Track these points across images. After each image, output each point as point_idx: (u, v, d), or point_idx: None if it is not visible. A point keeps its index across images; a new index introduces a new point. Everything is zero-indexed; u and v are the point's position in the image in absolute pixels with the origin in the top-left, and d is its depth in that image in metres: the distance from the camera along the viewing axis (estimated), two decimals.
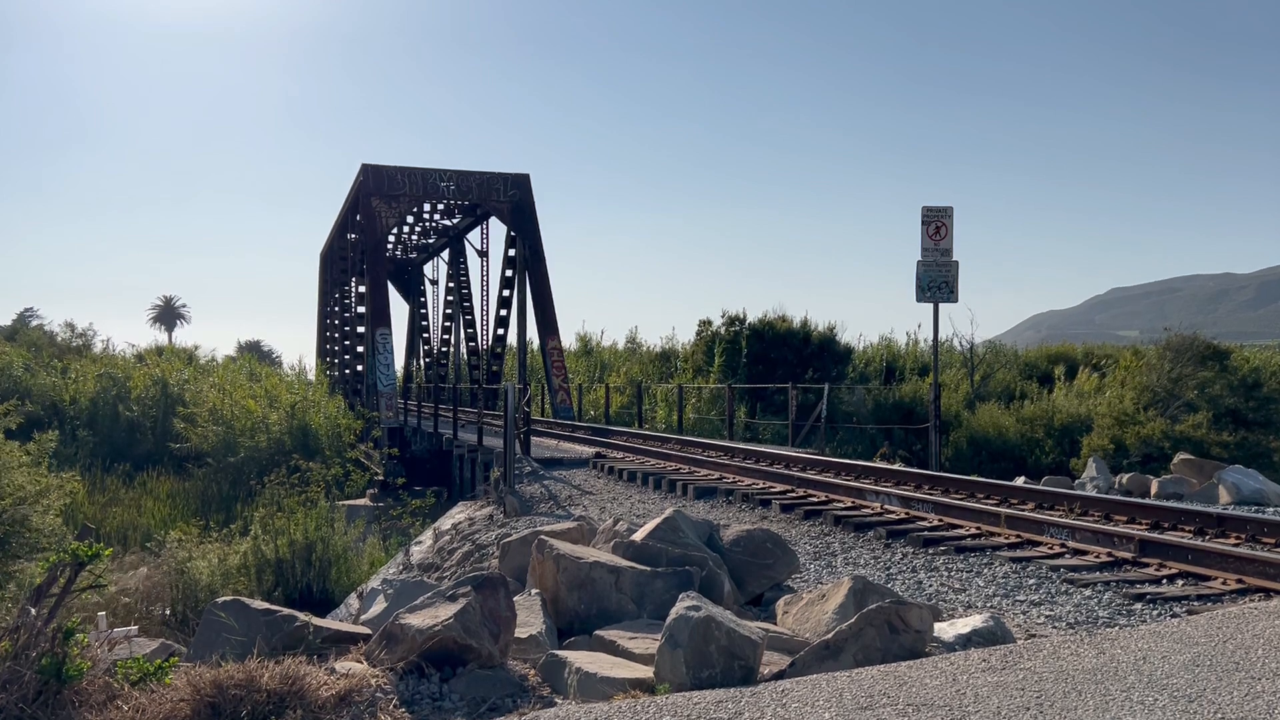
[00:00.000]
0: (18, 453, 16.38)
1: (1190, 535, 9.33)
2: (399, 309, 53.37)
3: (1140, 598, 7.37)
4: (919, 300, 19.85)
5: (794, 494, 12.99)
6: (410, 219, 42.74)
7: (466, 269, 45.47)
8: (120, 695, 4.71)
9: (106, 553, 5.46)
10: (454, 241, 45.31)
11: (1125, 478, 15.18)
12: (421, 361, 51.97)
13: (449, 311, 47.00)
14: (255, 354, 77.51)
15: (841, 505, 11.93)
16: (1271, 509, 12.38)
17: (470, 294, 44.78)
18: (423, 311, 51.82)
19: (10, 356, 41.09)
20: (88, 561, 5.27)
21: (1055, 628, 6.66)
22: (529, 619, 6.16)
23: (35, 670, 4.58)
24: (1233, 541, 9.01)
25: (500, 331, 40.67)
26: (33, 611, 5.01)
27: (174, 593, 14.60)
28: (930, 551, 9.36)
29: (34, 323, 71.00)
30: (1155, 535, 9.06)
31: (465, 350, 45.14)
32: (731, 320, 35.04)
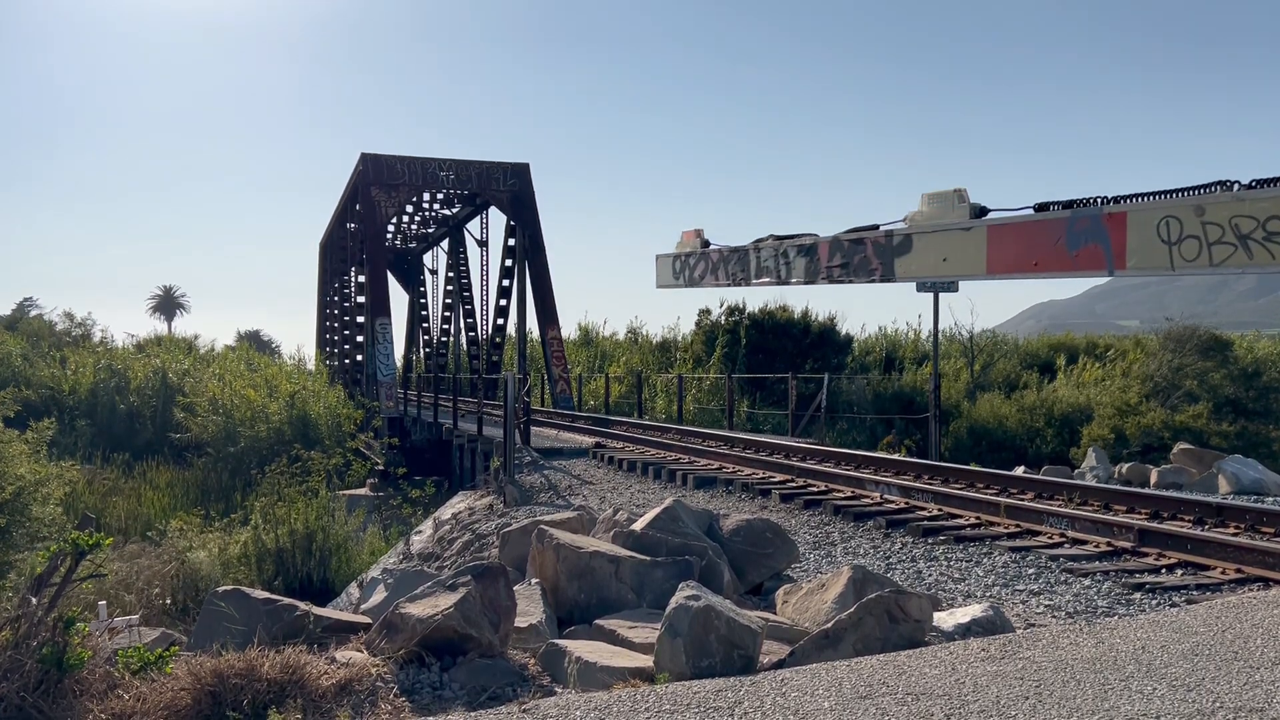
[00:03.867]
0: (18, 442, 16.39)
1: (1189, 525, 9.34)
2: (398, 299, 53.33)
3: (1139, 587, 7.39)
4: (919, 290, 19.85)
5: (794, 484, 13.00)
6: (410, 208, 42.64)
7: (466, 259, 45.42)
8: (121, 684, 4.72)
9: (107, 542, 5.46)
10: (453, 231, 45.23)
11: (1125, 467, 15.20)
12: (421, 351, 51.94)
13: (449, 301, 46.94)
14: (255, 344, 77.47)
15: (841, 495, 11.95)
16: (1271, 498, 12.40)
17: (470, 284, 44.72)
18: (422, 301, 51.77)
19: (9, 346, 41.05)
20: (88, 551, 5.28)
21: (1054, 617, 6.67)
22: (529, 608, 6.17)
23: (36, 659, 4.59)
24: (1232, 531, 9.03)
25: (500, 321, 40.61)
26: (34, 601, 5.01)
27: (174, 582, 14.62)
28: (930, 541, 9.38)
29: (33, 312, 70.93)
30: (1155, 525, 9.07)
31: (465, 340, 45.10)
32: (731, 310, 35.01)
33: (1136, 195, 10.99)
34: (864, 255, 14.91)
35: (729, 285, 21.27)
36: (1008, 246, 12.18)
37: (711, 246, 21.78)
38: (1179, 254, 10.12)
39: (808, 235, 17.85)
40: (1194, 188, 10.42)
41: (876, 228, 16.25)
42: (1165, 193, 10.66)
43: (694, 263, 21.81)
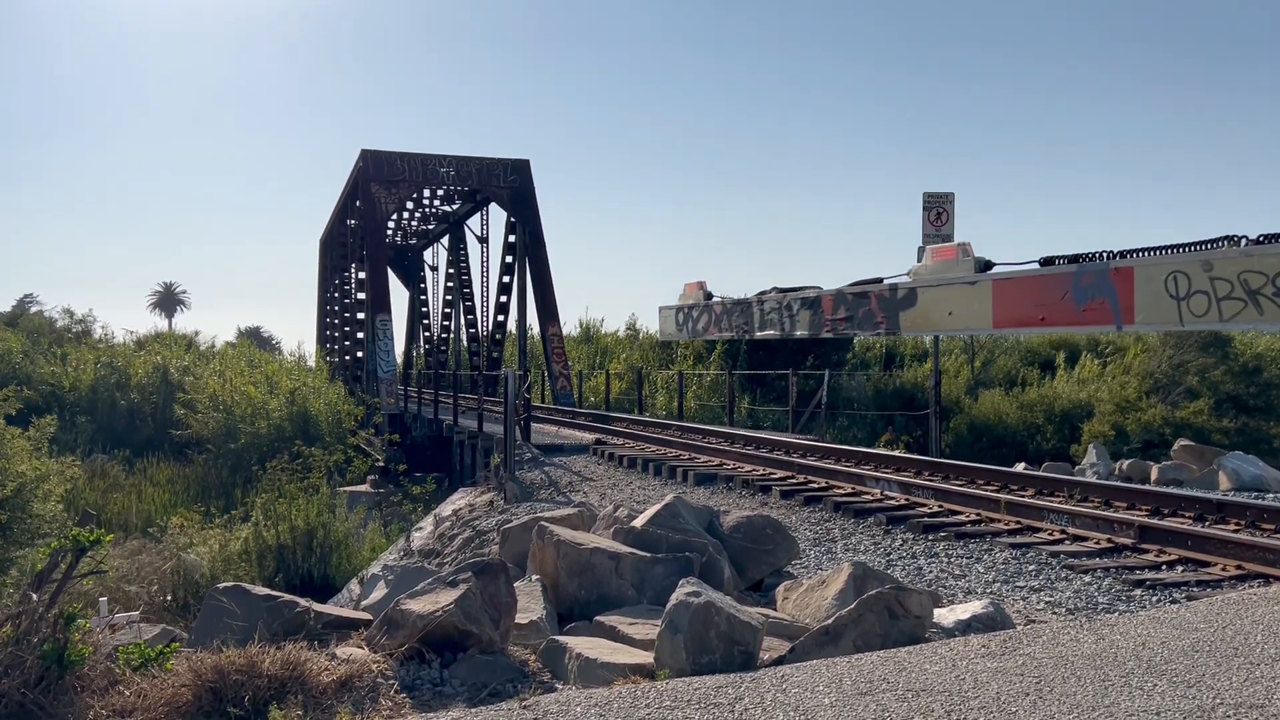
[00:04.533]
0: (19, 439, 16.40)
1: (1190, 521, 9.34)
2: (399, 295, 53.30)
3: (1140, 584, 7.39)
4: None
5: (794, 480, 13.00)
6: (410, 205, 42.62)
7: (466, 255, 45.40)
8: (122, 680, 4.72)
9: (108, 539, 5.46)
10: (454, 227, 45.21)
11: (1125, 464, 15.18)
12: (422, 348, 51.93)
13: (449, 298, 46.92)
14: (255, 340, 77.48)
15: (842, 491, 11.94)
16: (1271, 495, 12.39)
17: (470, 280, 44.71)
18: (423, 298, 51.75)
19: (10, 343, 41.08)
20: (89, 547, 5.28)
21: (1055, 614, 6.68)
22: (529, 605, 6.17)
23: (37, 655, 4.59)
24: (1232, 527, 9.02)
25: (500, 318, 40.62)
26: (34, 597, 5.01)
27: (175, 578, 14.63)
28: (930, 538, 9.38)
29: (34, 309, 70.96)
30: (1155, 521, 9.07)
31: (465, 336, 45.10)
32: None
33: (1143, 250, 10.96)
34: (868, 309, 14.89)
35: (732, 336, 21.29)
36: (1014, 301, 12.15)
37: (714, 299, 21.77)
38: (1188, 309, 10.08)
39: (811, 288, 17.87)
40: (1201, 242, 10.38)
41: (880, 280, 16.23)
42: (1172, 247, 10.63)
43: (697, 315, 21.78)
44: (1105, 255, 11.22)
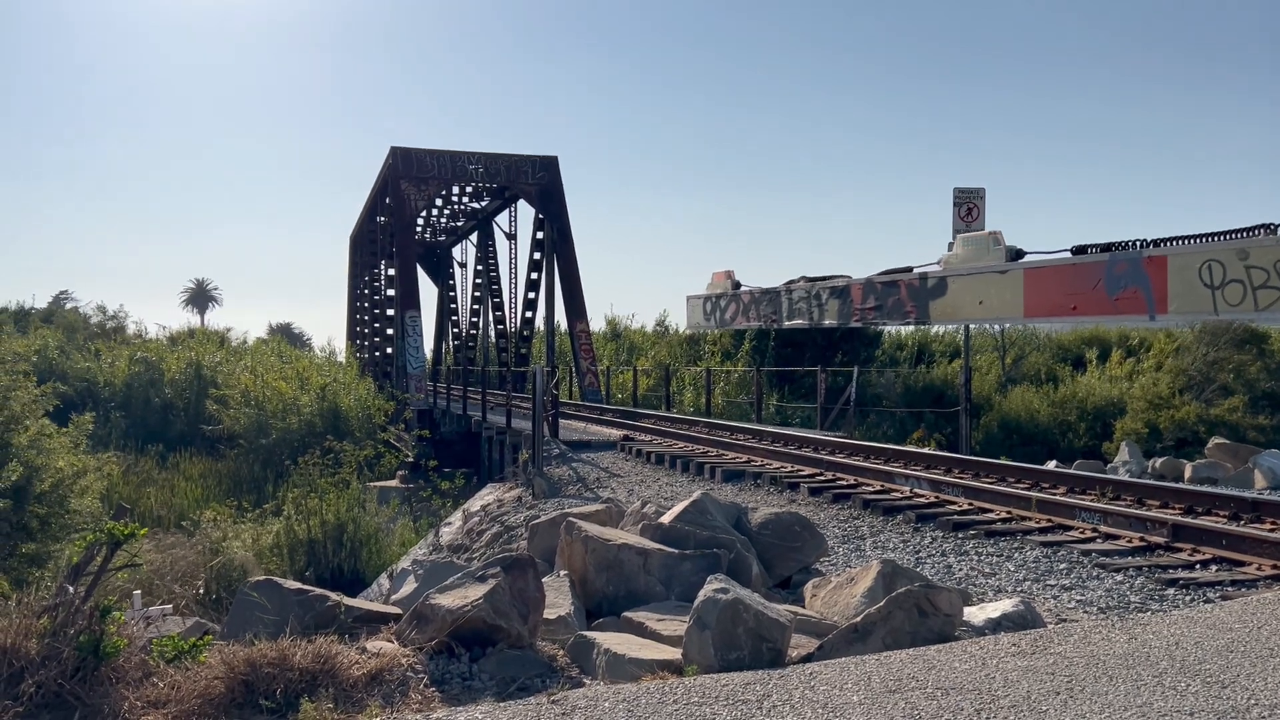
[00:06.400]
0: (58, 436, 16.63)
1: (1225, 520, 9.22)
2: (428, 292, 53.50)
3: (1173, 583, 7.31)
4: None
5: (823, 477, 12.96)
6: (439, 202, 42.85)
7: (495, 252, 45.60)
8: (156, 673, 4.78)
9: (142, 533, 5.53)
10: (482, 224, 45.39)
11: (1158, 462, 15.03)
12: (450, 344, 52.19)
13: (478, 294, 47.14)
14: (286, 336, 78.19)
15: (870, 489, 11.89)
16: None
17: (499, 277, 44.91)
18: (451, 294, 52.01)
19: (46, 339, 41.70)
20: (124, 541, 5.35)
21: (1086, 612, 6.62)
22: (557, 600, 6.19)
23: (74, 647, 4.66)
24: (1268, 527, 8.90)
25: (528, 314, 40.76)
26: (71, 590, 5.08)
27: (208, 572, 14.80)
28: (960, 536, 9.32)
29: (68, 305, 71.91)
30: (1189, 520, 8.97)
31: (494, 333, 45.31)
32: None
33: (1177, 238, 10.81)
34: (898, 298, 14.79)
35: (760, 326, 21.30)
36: (1046, 290, 12.00)
37: (742, 288, 21.73)
38: (1222, 298, 9.90)
39: (840, 277, 17.77)
40: (1236, 231, 10.23)
41: (910, 269, 16.12)
42: (1206, 236, 10.49)
43: (725, 304, 21.73)
44: (1138, 244, 11.07)
